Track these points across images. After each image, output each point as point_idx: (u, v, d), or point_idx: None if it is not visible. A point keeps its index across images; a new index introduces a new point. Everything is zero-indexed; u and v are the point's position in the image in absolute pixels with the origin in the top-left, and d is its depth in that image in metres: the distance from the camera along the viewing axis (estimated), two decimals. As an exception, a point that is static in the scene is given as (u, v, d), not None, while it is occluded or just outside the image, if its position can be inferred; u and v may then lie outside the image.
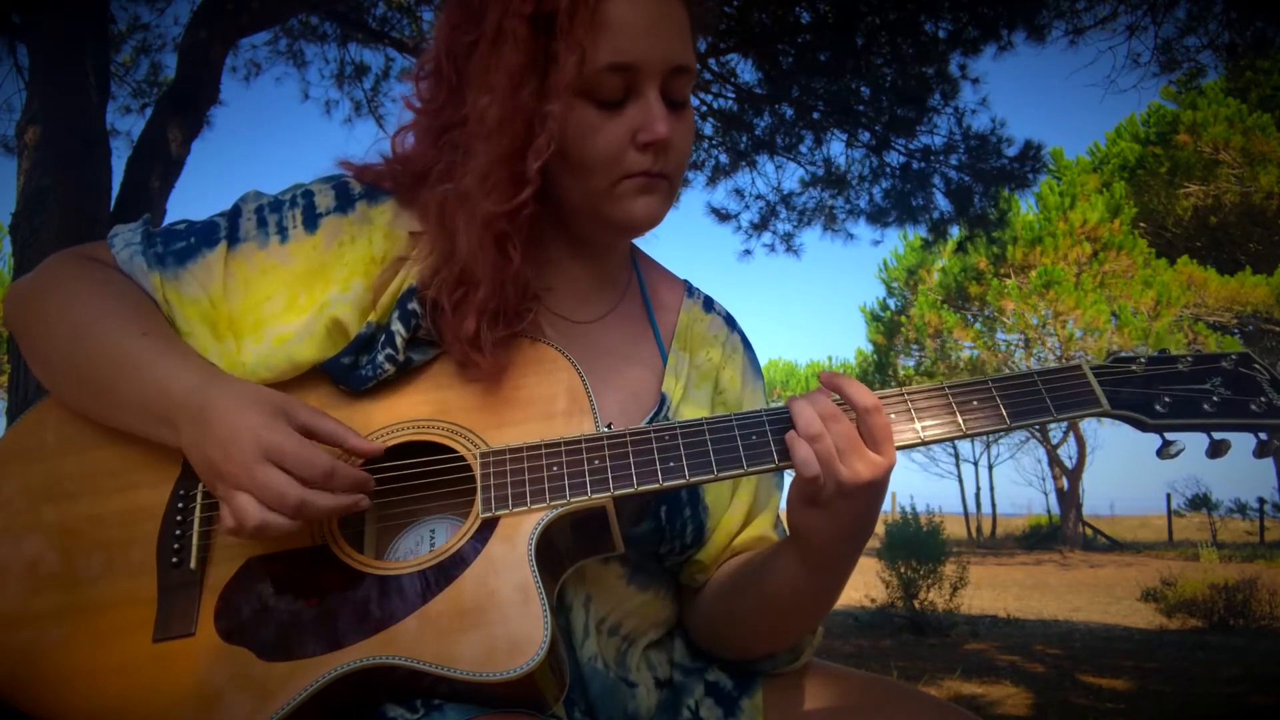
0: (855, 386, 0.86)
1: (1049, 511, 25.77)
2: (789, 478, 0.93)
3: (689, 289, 1.16)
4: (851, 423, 0.85)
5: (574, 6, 0.87)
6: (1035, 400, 0.90)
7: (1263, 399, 0.88)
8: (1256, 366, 0.90)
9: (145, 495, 0.92)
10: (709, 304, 1.16)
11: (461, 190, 0.91)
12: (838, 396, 0.88)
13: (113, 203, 4.00)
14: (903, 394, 0.90)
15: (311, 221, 0.97)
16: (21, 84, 4.95)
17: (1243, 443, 0.89)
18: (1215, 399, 0.88)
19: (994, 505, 32.60)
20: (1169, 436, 0.89)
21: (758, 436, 0.89)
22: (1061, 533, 21.82)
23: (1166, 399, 0.89)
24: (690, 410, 1.05)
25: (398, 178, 0.99)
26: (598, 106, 0.92)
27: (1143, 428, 0.89)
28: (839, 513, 0.86)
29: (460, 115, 0.93)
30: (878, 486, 0.85)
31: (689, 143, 0.99)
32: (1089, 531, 22.74)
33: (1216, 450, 0.88)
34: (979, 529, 28.65)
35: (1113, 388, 0.90)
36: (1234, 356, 0.91)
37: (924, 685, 4.91)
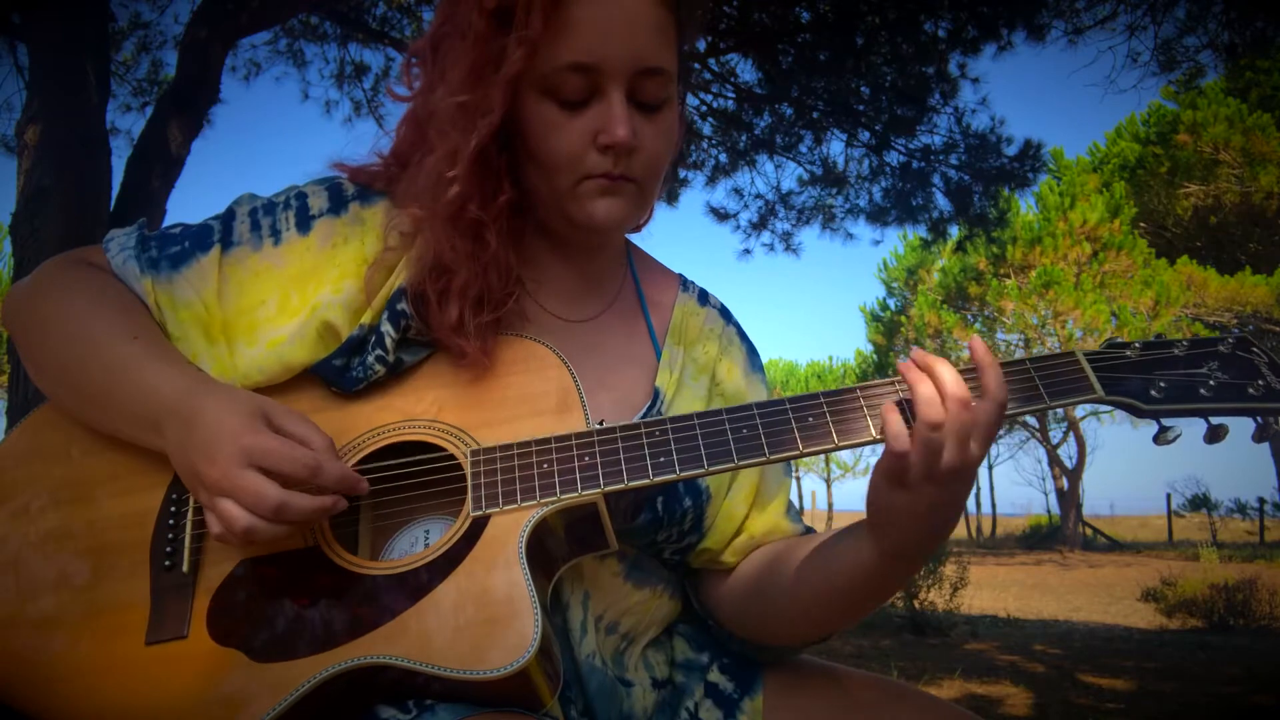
0: (997, 377, 0.82)
1: (1049, 511, 25.77)
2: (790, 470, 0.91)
3: (683, 283, 1.16)
4: (971, 413, 0.80)
5: (530, 3, 0.86)
6: (1028, 388, 0.87)
7: (1261, 382, 0.86)
8: (1255, 350, 0.88)
9: (139, 499, 0.92)
10: (704, 297, 1.15)
11: (424, 182, 0.93)
12: (960, 367, 0.84)
13: (113, 203, 4.01)
14: (894, 384, 0.89)
15: (304, 223, 0.97)
16: (21, 84, 4.96)
17: (1241, 429, 0.87)
18: (1212, 383, 0.86)
19: (994, 505, 32.72)
20: (1165, 422, 0.86)
21: (748, 430, 0.88)
22: (1061, 533, 21.82)
23: (1162, 384, 0.87)
24: (685, 403, 1.04)
25: (391, 178, 1.00)
26: (559, 105, 0.91)
27: (1138, 413, 0.87)
28: (925, 497, 0.81)
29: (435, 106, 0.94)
30: (966, 479, 0.82)
31: (663, 146, 0.95)
32: (1089, 531, 22.73)
33: (1215, 435, 0.85)
34: (979, 529, 28.65)
35: (1107, 374, 0.88)
36: (1231, 340, 0.89)
37: (924, 685, 4.91)
